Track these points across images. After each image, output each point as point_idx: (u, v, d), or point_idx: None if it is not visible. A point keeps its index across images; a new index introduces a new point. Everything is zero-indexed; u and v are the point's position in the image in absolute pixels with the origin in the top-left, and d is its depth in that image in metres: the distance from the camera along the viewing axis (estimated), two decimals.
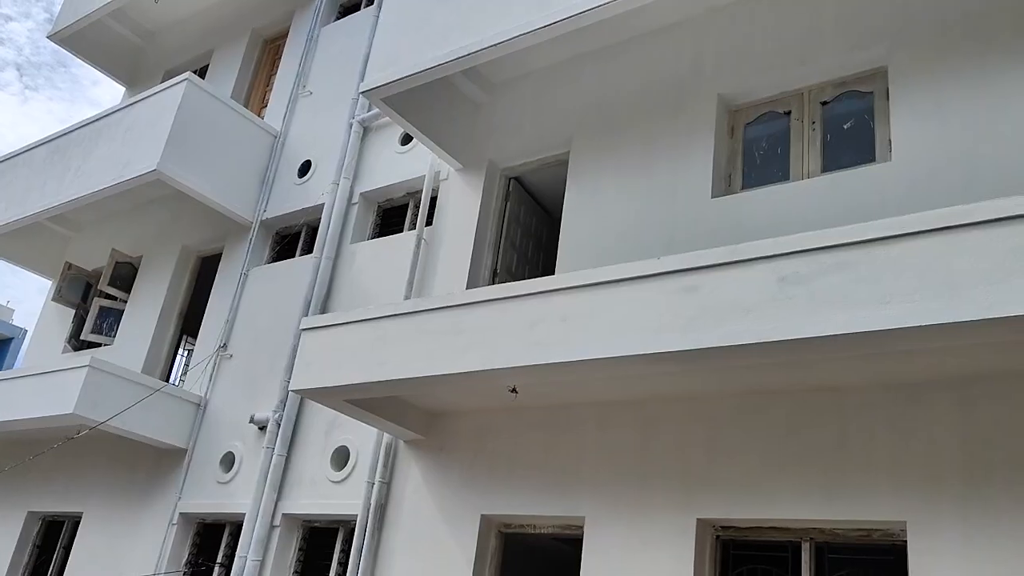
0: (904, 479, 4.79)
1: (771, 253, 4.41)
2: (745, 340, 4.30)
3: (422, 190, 8.37)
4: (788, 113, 6.46)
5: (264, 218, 9.89)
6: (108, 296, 11.04)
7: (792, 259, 4.34)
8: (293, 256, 9.61)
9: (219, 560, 8.40)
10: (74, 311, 11.83)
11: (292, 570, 7.77)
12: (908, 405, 4.92)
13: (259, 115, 10.87)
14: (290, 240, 9.87)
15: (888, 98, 5.89)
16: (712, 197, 6.35)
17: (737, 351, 4.37)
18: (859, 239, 4.17)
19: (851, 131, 6.17)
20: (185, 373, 10.29)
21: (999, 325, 3.73)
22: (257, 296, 9.44)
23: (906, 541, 4.70)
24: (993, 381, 4.71)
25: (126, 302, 10.96)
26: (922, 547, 4.62)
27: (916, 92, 5.71)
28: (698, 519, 5.39)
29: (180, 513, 8.68)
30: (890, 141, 5.76)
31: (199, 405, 9.17)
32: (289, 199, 9.76)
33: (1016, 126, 5.19)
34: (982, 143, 5.28)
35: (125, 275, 11.08)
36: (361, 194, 9.08)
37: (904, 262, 4.01)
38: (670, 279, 4.69)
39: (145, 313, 10.55)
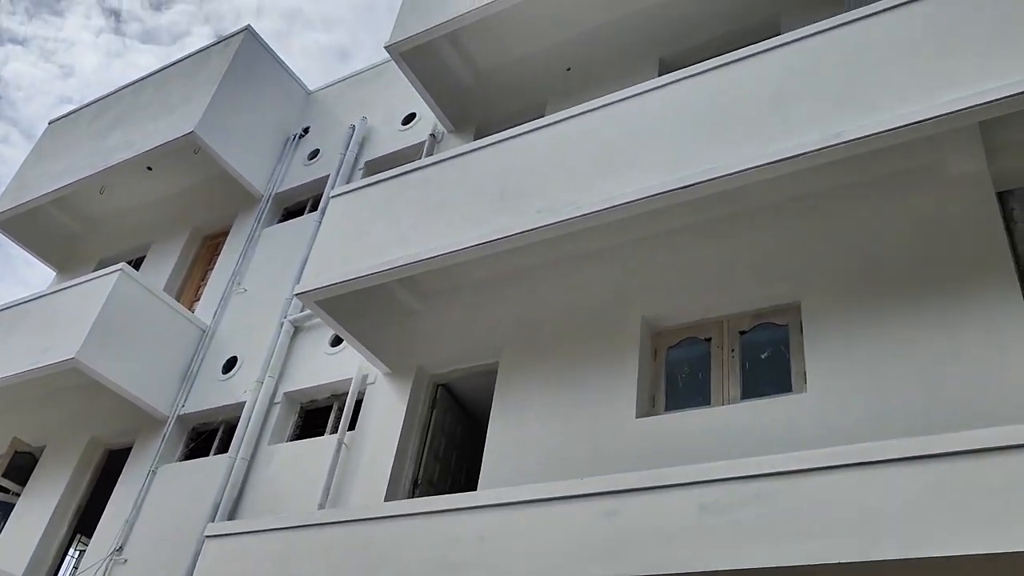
0: None
1: (692, 480, 4.42)
2: (664, 570, 4.20)
3: (348, 392, 8.27)
4: (709, 340, 6.70)
5: (181, 413, 9.58)
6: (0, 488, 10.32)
7: (713, 487, 4.35)
8: (207, 454, 9.23)
9: None
10: None
11: None
12: None
13: (190, 308, 10.82)
14: (206, 437, 9.52)
15: (802, 332, 6.19)
16: (636, 417, 6.41)
17: None
18: (778, 470, 4.23)
19: (769, 360, 6.40)
20: None
21: (914, 565, 3.73)
22: (164, 495, 8.93)
23: None
24: None
25: (19, 495, 10.24)
26: None
27: (827, 328, 6.01)
28: None
29: None
30: (805, 373, 5.98)
31: None
32: (210, 395, 9.52)
33: (917, 370, 5.45)
34: (887, 382, 5.51)
35: (22, 466, 10.43)
36: (285, 394, 8.92)
37: (821, 495, 4.05)
38: (591, 502, 4.62)
39: (38, 508, 9.85)
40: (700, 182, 5.89)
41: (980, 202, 5.83)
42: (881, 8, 5.92)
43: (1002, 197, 5.95)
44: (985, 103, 5.02)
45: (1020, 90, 4.91)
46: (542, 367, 7.17)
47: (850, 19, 6.02)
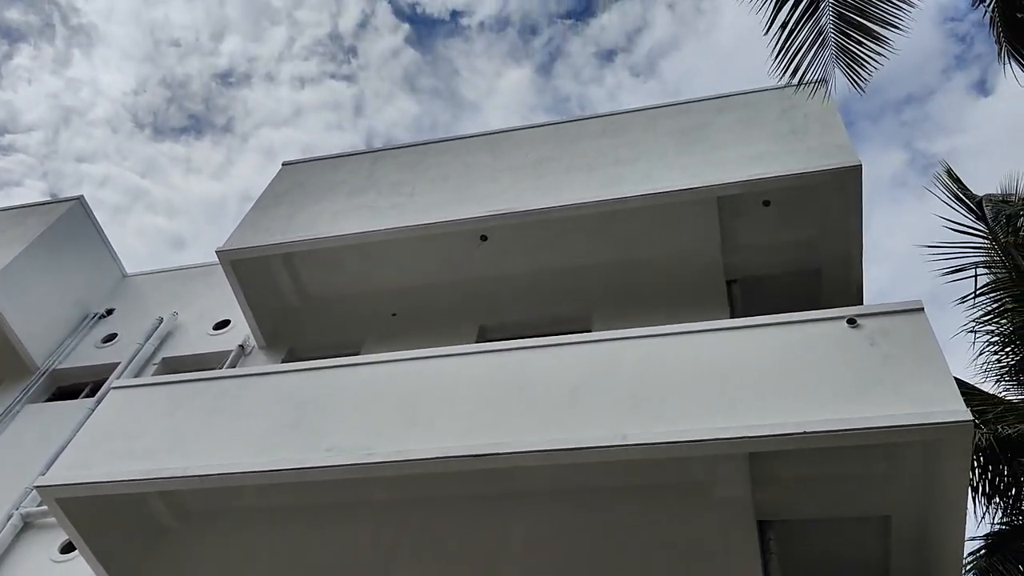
0: None
1: None
2: None
3: None
4: None
5: None
6: None
7: None
8: None
9: None
10: None
11: None
12: None
13: None
14: None
15: None
16: None
17: None
18: None
19: None
20: None
21: None
22: None
23: None
24: None
25: None
26: None
27: None
28: None
29: None
30: None
31: None
32: None
33: None
34: None
35: None
36: None
37: None
38: None
39: None
40: (495, 454, 5.95)
41: (741, 527, 6.18)
42: (685, 330, 6.51)
43: (762, 526, 6.35)
44: (754, 436, 5.49)
45: (786, 431, 5.42)
46: None
47: (656, 333, 6.56)
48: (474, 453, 6.00)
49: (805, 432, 5.37)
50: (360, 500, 7.12)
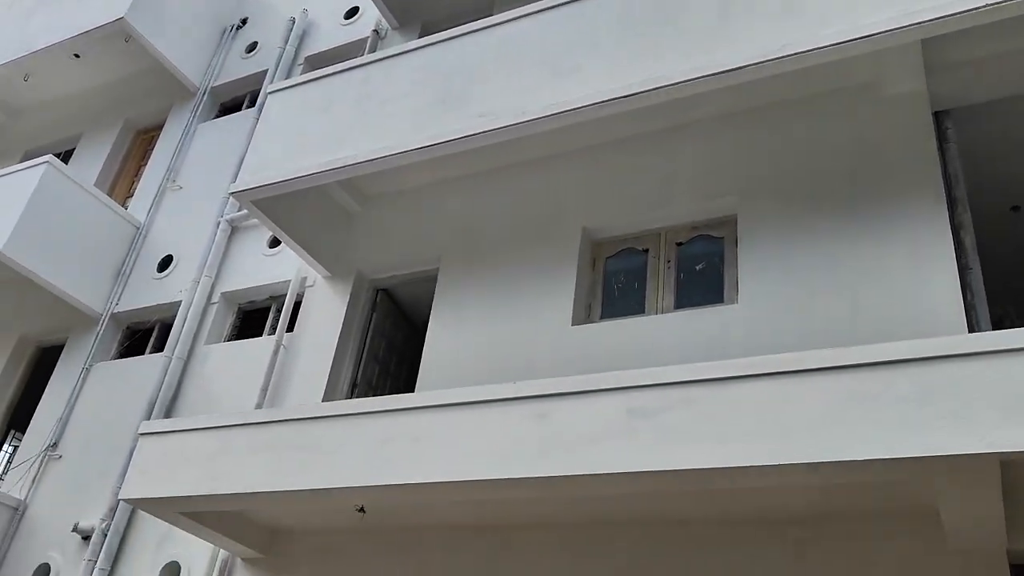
0: None
1: (621, 385, 4.53)
2: (591, 471, 4.35)
3: (286, 294, 8.21)
4: (646, 251, 6.78)
5: (115, 311, 9.42)
6: None
7: (641, 392, 4.47)
8: (143, 353, 9.13)
9: None
10: None
11: None
12: (748, 541, 5.04)
13: (123, 205, 10.50)
14: (141, 336, 9.41)
15: (737, 244, 6.30)
16: (572, 325, 6.51)
17: (583, 481, 4.41)
18: (703, 377, 4.36)
19: (704, 272, 6.53)
20: (6, 472, 9.42)
21: (826, 469, 3.93)
22: (98, 393, 8.86)
23: None
24: (825, 522, 4.90)
25: None
26: None
27: (762, 241, 6.13)
28: None
29: None
30: (737, 284, 6.12)
31: (16, 509, 8.37)
32: (145, 294, 9.36)
33: (844, 284, 5.63)
34: (816, 295, 5.68)
35: None
36: (222, 294, 8.82)
37: (743, 403, 4.20)
38: (523, 405, 4.72)
39: None
40: (645, 91, 5.83)
41: (916, 121, 5.91)
42: None
43: (938, 117, 6.04)
44: (927, 20, 5.02)
45: (962, 8, 4.92)
46: (482, 274, 7.20)
47: None
48: (625, 94, 5.91)
49: (988, 4, 4.85)
50: (528, 159, 7.34)
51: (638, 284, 6.66)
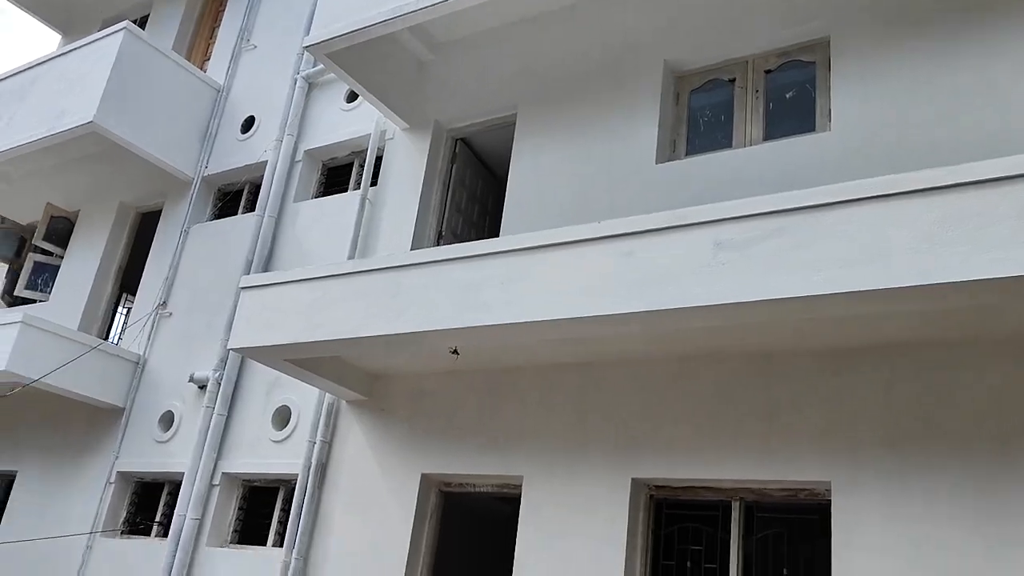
0: (830, 443, 4.93)
1: (708, 219, 4.46)
2: (679, 304, 4.36)
3: (367, 149, 8.26)
4: (733, 81, 6.50)
5: (206, 174, 9.69)
6: (43, 251, 10.74)
7: (728, 225, 4.39)
8: (235, 214, 9.43)
9: (157, 519, 8.33)
10: (7, 266, 11.48)
11: (232, 528, 7.75)
12: (835, 372, 5.05)
13: (201, 68, 10.59)
14: (232, 197, 9.69)
15: (829, 69, 5.97)
16: (656, 163, 6.38)
17: (671, 315, 4.44)
18: (794, 206, 4.24)
19: (793, 100, 6.24)
20: (123, 331, 10.09)
21: (924, 293, 3.84)
22: (198, 253, 9.27)
23: (830, 500, 4.87)
24: (916, 350, 4.86)
25: (62, 258, 10.68)
26: (845, 505, 4.78)
27: (855, 64, 5.78)
28: (633, 479, 5.51)
29: (118, 472, 8.57)
30: (830, 111, 5.84)
31: (137, 363, 9.01)
32: (232, 155, 9.56)
33: (941, 102, 5.30)
34: (913, 116, 5.39)
35: (61, 230, 10.77)
36: (305, 152, 8.93)
37: (837, 229, 4.09)
38: (609, 243, 4.72)
39: (82, 269, 10.29)
40: None
41: None
42: None
43: None
44: None
45: None
46: (560, 116, 7.06)
47: None
48: None
49: None
50: None
51: (724, 116, 6.43)
